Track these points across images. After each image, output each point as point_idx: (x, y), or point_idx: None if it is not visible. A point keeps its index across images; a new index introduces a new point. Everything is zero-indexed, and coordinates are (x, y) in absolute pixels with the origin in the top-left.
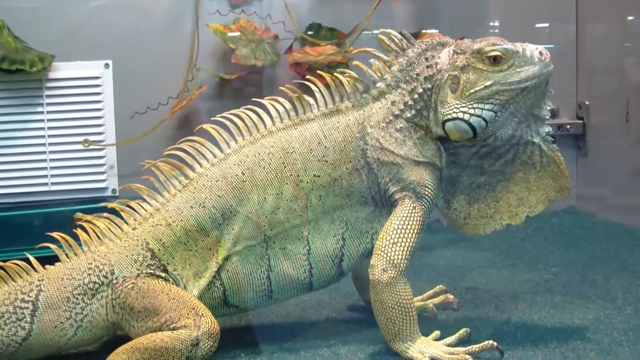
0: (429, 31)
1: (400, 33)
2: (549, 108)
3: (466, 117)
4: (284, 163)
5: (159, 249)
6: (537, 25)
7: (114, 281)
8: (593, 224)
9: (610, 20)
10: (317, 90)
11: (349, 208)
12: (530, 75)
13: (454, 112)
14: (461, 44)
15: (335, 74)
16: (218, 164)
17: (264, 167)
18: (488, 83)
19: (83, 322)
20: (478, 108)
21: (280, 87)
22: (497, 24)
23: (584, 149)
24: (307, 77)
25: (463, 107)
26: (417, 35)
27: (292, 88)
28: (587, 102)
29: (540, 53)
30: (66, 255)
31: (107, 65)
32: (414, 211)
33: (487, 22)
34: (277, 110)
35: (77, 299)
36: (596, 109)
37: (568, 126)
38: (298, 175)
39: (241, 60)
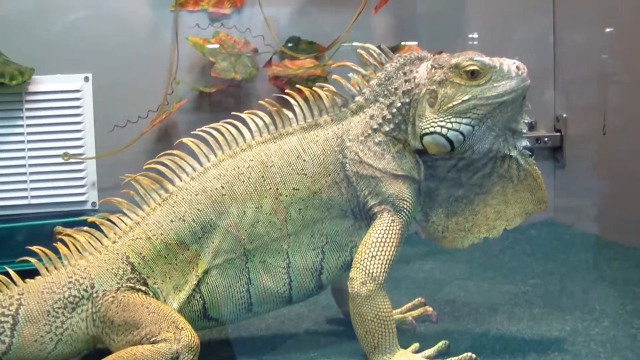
0: (408, 43)
1: (379, 47)
2: (526, 122)
3: (444, 131)
4: (263, 177)
5: (139, 263)
6: (515, 37)
7: (94, 295)
8: (571, 236)
9: (588, 32)
10: (296, 104)
11: (328, 221)
12: (508, 89)
13: (431, 127)
14: (439, 58)
15: (314, 87)
16: (198, 178)
17: (243, 181)
18: (466, 97)
19: (63, 335)
20: (456, 122)
21: (260, 101)
22: (475, 35)
23: (562, 161)
24: (286, 90)
25: (441, 121)
26: (396, 49)
27: (271, 102)
28: (564, 115)
29: (518, 67)
30: (46, 269)
31: (87, 79)
32: (392, 224)
33: (465, 34)
34: (257, 124)
35: (57, 312)
36: (574, 121)
37: (546, 139)
38: (277, 189)
39: (220, 73)
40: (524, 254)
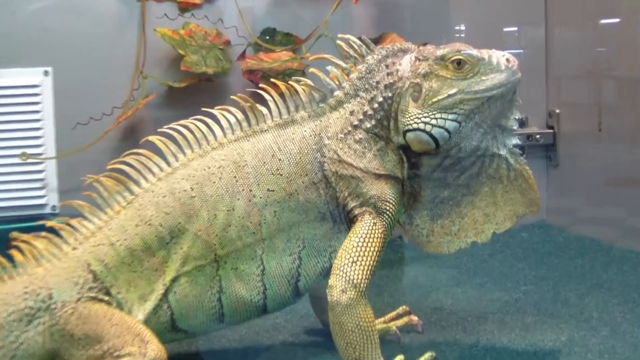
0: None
1: (360, 39)
2: (516, 118)
3: (428, 127)
4: (235, 177)
5: (102, 271)
6: (505, 30)
7: (53, 306)
8: (565, 239)
9: (581, 24)
10: (271, 99)
11: (305, 225)
12: (497, 83)
13: (414, 123)
14: (424, 50)
15: (290, 82)
16: (165, 179)
17: (214, 182)
18: (452, 91)
19: (18, 350)
20: (441, 118)
21: (232, 97)
22: (462, 27)
23: (555, 159)
24: (261, 85)
25: (425, 117)
26: (378, 40)
27: (245, 97)
28: (557, 110)
29: (508, 60)
30: (0, 278)
31: (46, 73)
32: (374, 227)
33: (452, 26)
34: (229, 121)
35: (11, 325)
36: (567, 117)
37: (538, 136)
38: (251, 190)
39: (191, 67)
40: (515, 258)
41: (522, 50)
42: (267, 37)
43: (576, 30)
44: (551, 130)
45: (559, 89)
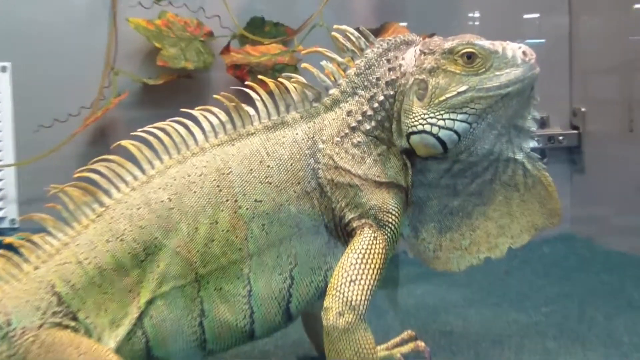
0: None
1: (358, 30)
2: (535, 118)
3: (434, 130)
4: (218, 186)
5: (68, 293)
6: (525, 17)
7: (11, 334)
8: (592, 253)
9: (611, 10)
10: (258, 98)
11: (298, 239)
12: (512, 79)
13: (420, 124)
14: (430, 42)
15: (280, 79)
16: (139, 188)
17: (194, 192)
18: (461, 89)
19: None
20: (449, 119)
21: (215, 96)
22: (477, 15)
23: (580, 163)
24: (247, 82)
25: (431, 117)
26: (379, 31)
27: (229, 96)
28: (582, 109)
29: (524, 53)
30: None
31: (4, 69)
32: (375, 242)
33: (464, 13)
34: (211, 123)
35: None
36: (594, 115)
37: (560, 137)
38: (236, 201)
39: (168, 62)
40: (535, 275)
41: (543, 40)
42: (255, 28)
43: (605, 16)
44: (576, 131)
45: (584, 84)
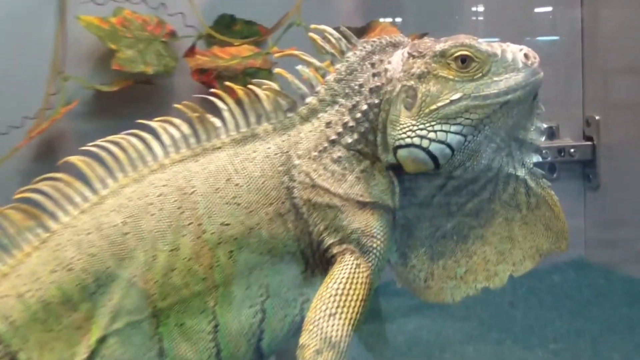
0: (383, 21)
1: (338, 30)
2: (539, 129)
3: (424, 143)
4: (180, 208)
5: (7, 330)
6: (537, 10)
7: None
8: (608, 282)
9: (628, 5)
10: (225, 108)
11: (270, 268)
12: (513, 85)
13: (408, 136)
14: (419, 44)
15: (250, 85)
16: (90, 211)
17: (153, 214)
18: (455, 96)
19: None
20: (441, 131)
21: (176, 105)
22: (480, 9)
23: (595, 180)
24: (213, 90)
25: (421, 129)
26: (363, 31)
27: (192, 105)
28: (597, 117)
29: (526, 56)
30: None
31: None
32: (357, 270)
33: (466, 8)
34: (172, 136)
35: None
36: (611, 125)
37: (572, 149)
38: (200, 224)
39: (125, 65)
40: (543, 307)
41: (557, 38)
42: (223, 27)
43: (625, 9)
44: (589, 142)
45: (599, 89)
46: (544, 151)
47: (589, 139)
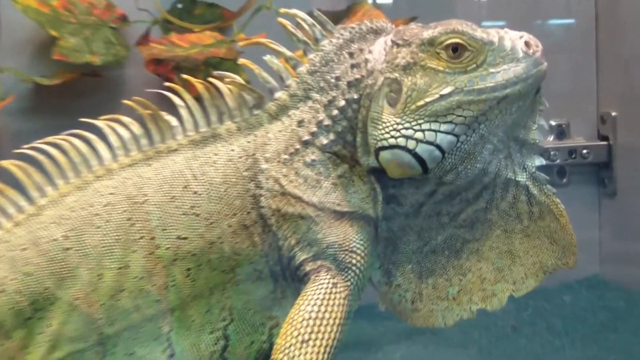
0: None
1: (312, 15)
2: (543, 128)
3: (411, 144)
4: (130, 219)
5: None
6: None
7: None
8: (627, 303)
9: None
10: (182, 104)
11: (234, 288)
12: (512, 77)
13: (392, 137)
14: (404, 31)
15: (211, 79)
16: (26, 223)
17: (98, 227)
18: (445, 91)
19: None
20: (430, 130)
21: (126, 101)
22: None
23: (611, 185)
24: (168, 84)
25: (406, 128)
26: (344, 15)
27: (144, 101)
28: (613, 113)
29: (527, 44)
30: None
31: None
32: (334, 290)
33: None
34: (120, 137)
35: None
36: (628, 122)
37: (585, 151)
38: (153, 238)
39: (68, 55)
40: (551, 332)
41: (572, 20)
42: (182, 11)
43: None
44: (605, 142)
45: (617, 81)
46: (552, 152)
47: (605, 138)
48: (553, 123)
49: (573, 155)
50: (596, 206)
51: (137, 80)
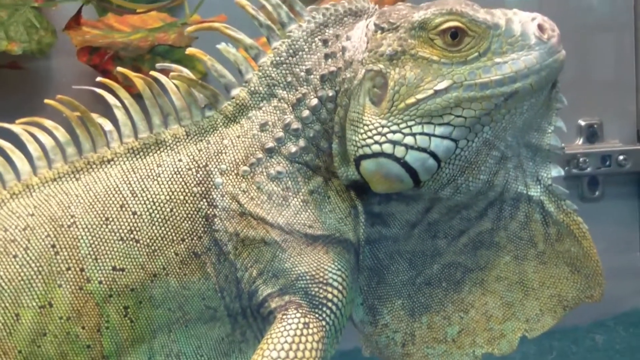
0: None
1: None
2: (559, 130)
3: (399, 151)
4: (54, 246)
5: None
6: None
7: None
8: None
9: None
10: (118, 104)
11: (182, 329)
12: (522, 69)
13: (376, 143)
14: (390, 12)
15: (154, 73)
16: None
17: (15, 256)
18: (442, 85)
19: None
20: (422, 134)
21: (47, 101)
22: None
23: None
24: (101, 79)
25: (394, 132)
26: None
27: (71, 101)
28: None
29: (541, 27)
30: None
31: None
32: (306, 332)
33: None
34: (42, 145)
35: None
36: None
37: (621, 157)
38: (83, 270)
39: None
40: None
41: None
42: None
43: None
44: None
45: None
46: (581, 159)
47: None
48: (582, 123)
49: (607, 163)
50: (637, 224)
51: (67, 74)
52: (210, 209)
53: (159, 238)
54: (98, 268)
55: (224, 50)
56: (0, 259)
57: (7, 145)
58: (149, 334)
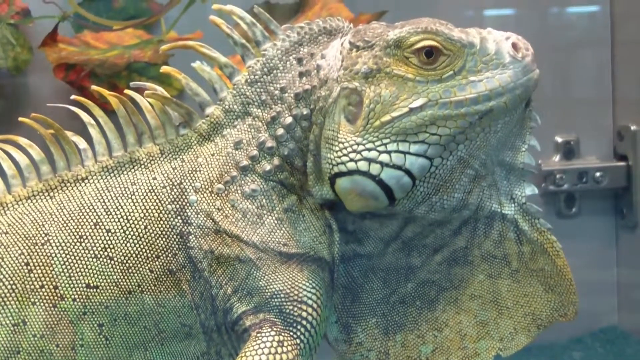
0: None
1: (252, 12)
2: (533, 148)
3: (374, 169)
4: (28, 264)
5: None
6: None
7: None
8: None
9: None
10: (92, 122)
11: (158, 348)
12: (497, 87)
13: (350, 160)
14: (364, 31)
15: (127, 91)
16: None
17: None
18: (417, 103)
19: None
20: (397, 152)
21: (22, 119)
22: None
23: (631, 215)
24: (74, 97)
25: (369, 149)
26: (298, 9)
27: (45, 118)
28: (633, 127)
29: (515, 46)
30: None
31: None
32: (280, 350)
33: None
34: (16, 163)
35: None
36: None
37: (598, 173)
38: (56, 287)
39: None
40: None
41: (595, 8)
42: (99, 3)
43: None
44: (623, 163)
45: (636, 89)
46: (557, 176)
47: (622, 158)
48: (559, 139)
49: (584, 179)
50: (613, 241)
51: (43, 90)
52: (185, 227)
53: (134, 255)
54: (72, 285)
55: (199, 69)
56: None
57: None
58: (125, 352)
